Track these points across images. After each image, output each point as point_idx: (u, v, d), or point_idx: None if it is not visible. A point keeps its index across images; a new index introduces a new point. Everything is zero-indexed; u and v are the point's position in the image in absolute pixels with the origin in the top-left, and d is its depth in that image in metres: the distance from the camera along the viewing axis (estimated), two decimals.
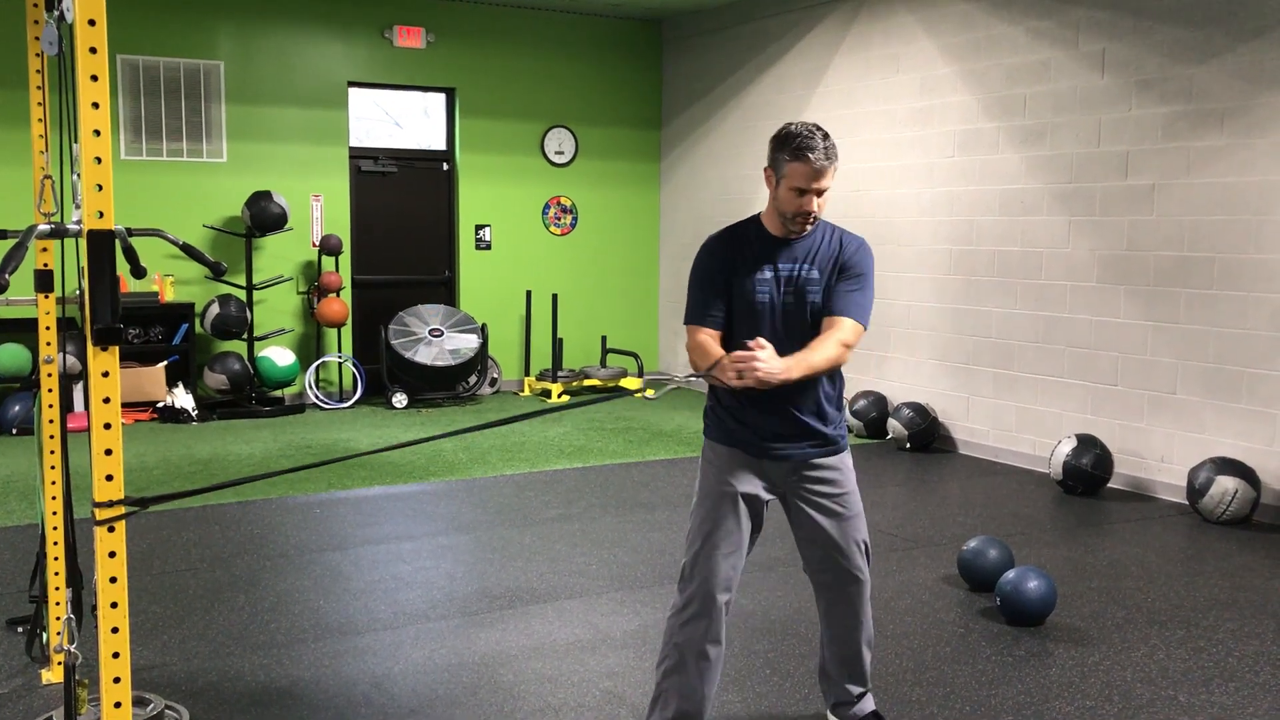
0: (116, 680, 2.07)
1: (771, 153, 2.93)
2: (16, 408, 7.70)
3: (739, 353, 2.79)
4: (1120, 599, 4.50)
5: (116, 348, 2.01)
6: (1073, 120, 6.62)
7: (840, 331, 2.93)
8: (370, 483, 6.33)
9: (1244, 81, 5.77)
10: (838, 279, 2.98)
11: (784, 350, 2.85)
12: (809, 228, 2.97)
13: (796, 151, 2.85)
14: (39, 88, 3.33)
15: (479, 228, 9.75)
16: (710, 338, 2.98)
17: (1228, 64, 5.84)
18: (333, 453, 7.21)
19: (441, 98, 9.67)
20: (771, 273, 2.97)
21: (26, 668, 3.68)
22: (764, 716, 3.41)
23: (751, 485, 3.02)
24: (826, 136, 2.89)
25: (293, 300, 9.10)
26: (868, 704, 3.27)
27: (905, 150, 7.76)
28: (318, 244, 9.01)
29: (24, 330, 7.86)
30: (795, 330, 2.96)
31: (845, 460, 3.10)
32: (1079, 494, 6.25)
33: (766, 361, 2.76)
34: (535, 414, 2.53)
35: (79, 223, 2.24)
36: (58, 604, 3.45)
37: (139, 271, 2.67)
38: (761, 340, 2.82)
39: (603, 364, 10.02)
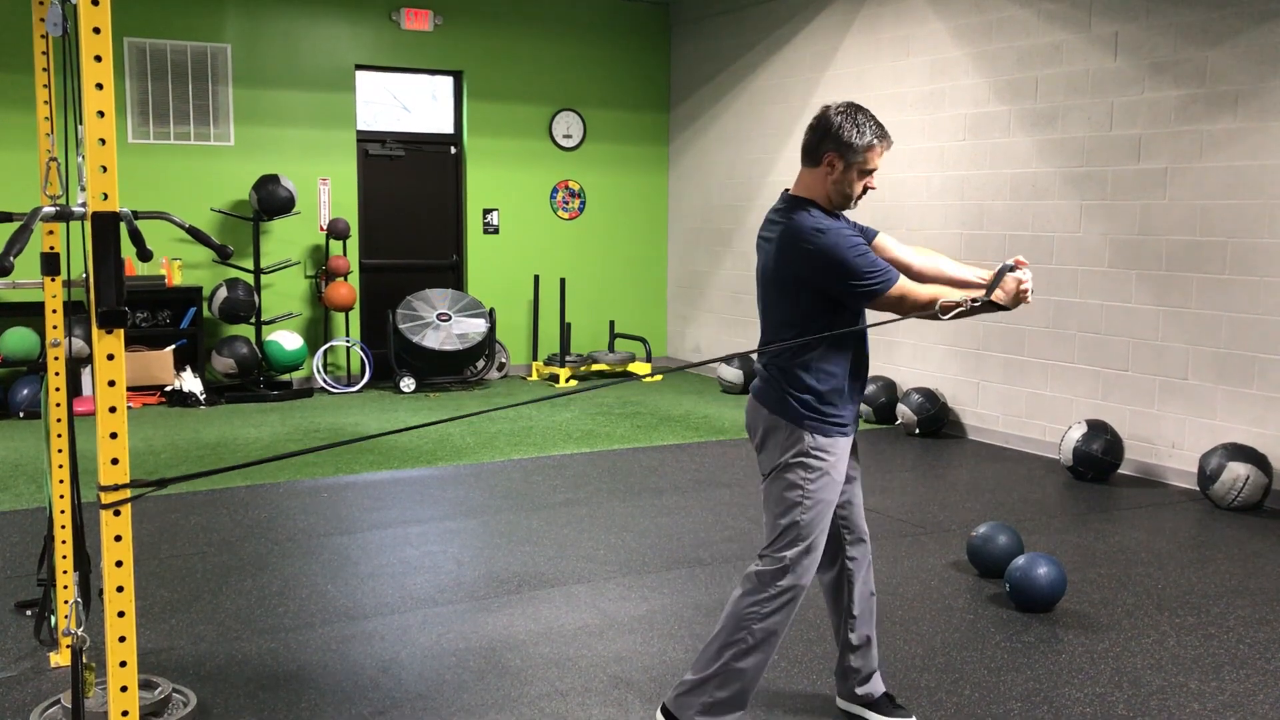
0: (123, 664, 2.06)
1: (837, 137, 2.90)
2: (24, 391, 7.71)
3: (1020, 273, 2.88)
4: (1130, 585, 4.48)
5: (121, 330, 2.00)
6: (1085, 103, 6.57)
7: None
8: (378, 467, 6.33)
9: (1258, 64, 5.72)
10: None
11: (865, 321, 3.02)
12: None
13: (880, 134, 2.92)
14: (44, 69, 3.32)
15: (487, 212, 9.73)
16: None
17: (1241, 46, 5.79)
18: (340, 437, 7.21)
19: (449, 81, 9.64)
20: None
21: (34, 651, 3.68)
22: (772, 701, 3.40)
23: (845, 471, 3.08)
24: None
25: (300, 284, 9.09)
26: (879, 685, 3.27)
27: (915, 133, 7.71)
28: (325, 228, 9.00)
29: (32, 314, 7.86)
30: None
31: None
32: (1089, 480, 6.22)
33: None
34: (547, 397, 2.52)
35: (84, 205, 2.22)
36: (65, 587, 3.45)
37: (145, 254, 2.66)
38: (1023, 259, 2.93)
39: (610, 348, 10.00)
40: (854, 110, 2.91)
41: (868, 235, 3.14)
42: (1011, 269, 2.89)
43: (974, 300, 2.87)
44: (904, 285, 2.88)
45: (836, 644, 3.27)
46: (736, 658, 2.96)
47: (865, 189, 2.97)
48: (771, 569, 2.95)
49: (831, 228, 2.89)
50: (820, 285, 2.89)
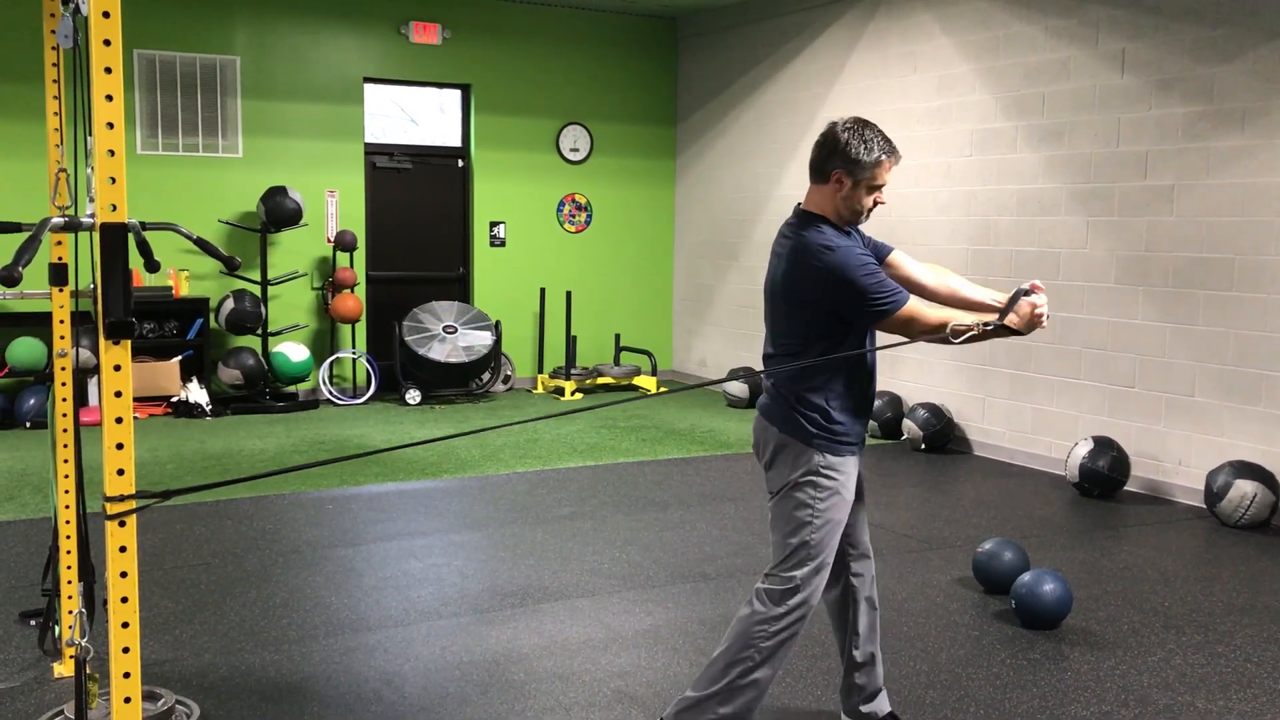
0: (126, 675, 2.06)
1: (845, 154, 2.87)
2: (31, 401, 7.72)
3: (1035, 298, 2.81)
4: (1137, 603, 4.46)
5: (128, 341, 2.00)
6: (1092, 120, 6.57)
7: None
8: (383, 479, 6.33)
9: (1265, 82, 5.72)
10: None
11: (876, 340, 3.01)
12: None
13: (888, 149, 2.89)
14: (54, 81, 3.33)
15: (493, 224, 9.74)
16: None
17: (1249, 64, 5.79)
18: (346, 448, 7.21)
19: (457, 94, 9.66)
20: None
21: (38, 661, 3.68)
22: (776, 717, 3.39)
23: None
24: None
25: (307, 296, 9.11)
26: (884, 703, 3.25)
27: (922, 149, 7.72)
28: (332, 240, 9.02)
29: (39, 324, 7.88)
30: None
31: None
32: (1095, 497, 6.20)
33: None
34: (558, 414, 2.52)
35: (92, 216, 2.23)
36: (70, 598, 3.45)
37: (153, 265, 2.66)
38: (1039, 283, 2.86)
39: (616, 362, 10.00)
40: (861, 126, 2.89)
41: (881, 252, 3.12)
42: (1027, 293, 2.81)
43: (986, 324, 2.80)
44: (913, 307, 2.84)
45: (841, 661, 3.25)
46: (742, 675, 2.93)
47: (875, 204, 2.95)
48: (781, 588, 2.93)
49: (840, 246, 2.86)
50: (828, 304, 2.87)
